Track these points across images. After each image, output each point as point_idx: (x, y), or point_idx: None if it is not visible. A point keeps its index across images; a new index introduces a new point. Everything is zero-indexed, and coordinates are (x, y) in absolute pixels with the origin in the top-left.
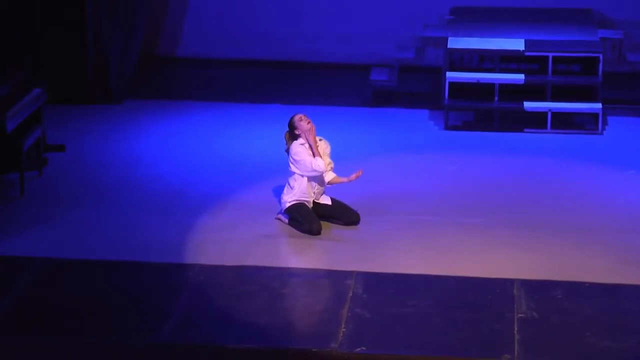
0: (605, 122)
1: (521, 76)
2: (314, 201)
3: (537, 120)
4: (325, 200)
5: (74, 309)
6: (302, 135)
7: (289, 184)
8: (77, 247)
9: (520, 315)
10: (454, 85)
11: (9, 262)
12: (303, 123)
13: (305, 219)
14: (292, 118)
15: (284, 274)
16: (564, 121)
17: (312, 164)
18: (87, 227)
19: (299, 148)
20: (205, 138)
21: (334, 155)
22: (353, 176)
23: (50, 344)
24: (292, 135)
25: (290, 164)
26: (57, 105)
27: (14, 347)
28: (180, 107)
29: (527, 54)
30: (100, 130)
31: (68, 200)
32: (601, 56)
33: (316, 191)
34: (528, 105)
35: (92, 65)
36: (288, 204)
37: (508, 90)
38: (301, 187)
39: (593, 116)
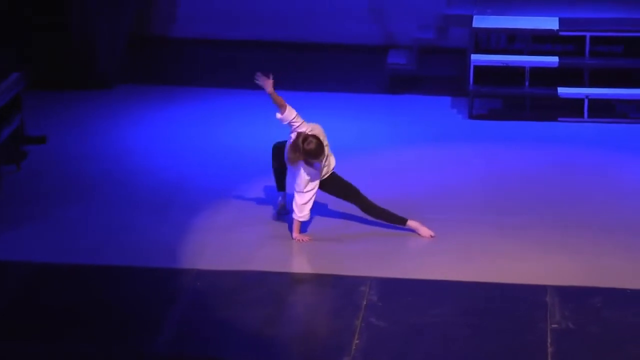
0: None
1: (555, 59)
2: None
3: (572, 108)
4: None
5: (59, 318)
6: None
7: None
8: (62, 250)
9: (553, 325)
10: (480, 68)
11: None
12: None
13: None
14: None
15: (290, 280)
16: (603, 109)
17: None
18: (72, 227)
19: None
20: (205, 127)
21: (346, 146)
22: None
23: (36, 354)
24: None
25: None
26: (39, 92)
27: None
28: (177, 93)
29: (561, 33)
30: (88, 119)
31: (51, 198)
32: None
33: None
34: (562, 91)
35: (77, 46)
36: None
37: (540, 74)
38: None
39: (636, 103)
